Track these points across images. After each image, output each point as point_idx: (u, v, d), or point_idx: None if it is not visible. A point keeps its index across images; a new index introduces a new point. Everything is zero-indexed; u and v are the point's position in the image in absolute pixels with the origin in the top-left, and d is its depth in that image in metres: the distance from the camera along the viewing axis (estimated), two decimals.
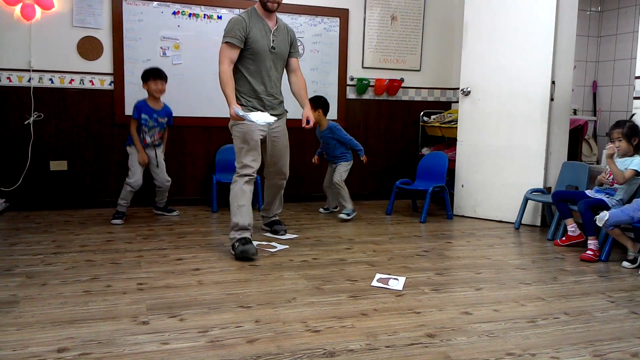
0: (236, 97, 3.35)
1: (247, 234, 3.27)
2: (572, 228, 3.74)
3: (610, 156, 3.48)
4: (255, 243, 3.31)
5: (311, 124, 3.48)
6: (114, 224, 4.07)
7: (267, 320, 2.30)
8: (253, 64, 3.39)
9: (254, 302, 2.52)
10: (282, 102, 3.61)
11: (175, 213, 4.43)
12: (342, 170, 4.45)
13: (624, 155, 3.51)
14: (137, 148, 4.15)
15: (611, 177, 3.55)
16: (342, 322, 2.31)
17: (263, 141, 3.49)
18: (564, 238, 3.76)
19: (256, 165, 3.40)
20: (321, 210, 4.77)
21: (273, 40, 3.41)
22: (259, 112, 3.29)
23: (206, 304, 2.47)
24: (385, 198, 5.16)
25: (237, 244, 3.21)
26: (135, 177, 4.15)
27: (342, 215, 4.39)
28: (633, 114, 3.64)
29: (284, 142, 3.62)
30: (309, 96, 3.78)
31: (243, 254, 3.17)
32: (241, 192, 3.33)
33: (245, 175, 3.35)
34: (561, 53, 4.26)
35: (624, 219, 3.22)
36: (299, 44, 3.75)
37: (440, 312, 2.46)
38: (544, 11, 4.19)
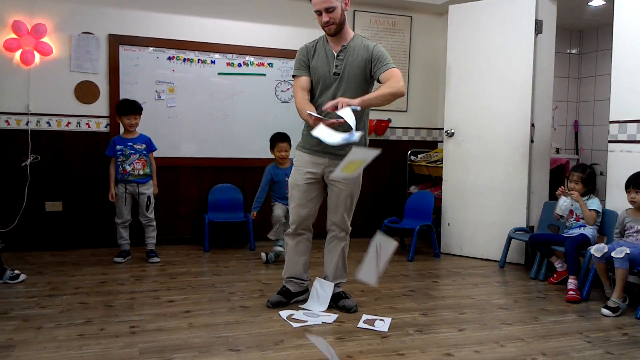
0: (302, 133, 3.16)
1: (288, 285, 3.24)
2: (559, 265, 3.90)
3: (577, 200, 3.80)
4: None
5: (333, 104, 2.66)
6: (115, 262, 4.20)
7: None
8: (318, 95, 3.07)
9: (243, 345, 2.60)
10: (360, 139, 2.91)
11: (154, 260, 4.27)
12: None
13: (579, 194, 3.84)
14: (109, 185, 4.27)
15: (573, 215, 3.88)
16: None
17: (323, 185, 3.16)
18: (555, 276, 3.90)
19: (299, 214, 3.12)
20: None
21: (337, 65, 3.01)
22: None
23: (196, 347, 2.55)
24: (372, 236, 5.26)
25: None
26: (122, 216, 4.28)
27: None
28: (595, 164, 3.92)
29: (345, 190, 3.08)
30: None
31: (268, 302, 3.22)
32: (286, 245, 3.26)
33: (290, 227, 3.19)
34: (540, 97, 4.45)
35: (637, 257, 3.22)
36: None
37: (424, 354, 2.55)
38: (522, 56, 4.40)
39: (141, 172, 4.29)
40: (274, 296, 3.24)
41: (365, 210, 5.51)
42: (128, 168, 4.24)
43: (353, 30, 5.27)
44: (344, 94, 2.97)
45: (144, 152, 4.32)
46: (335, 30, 2.99)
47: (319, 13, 2.96)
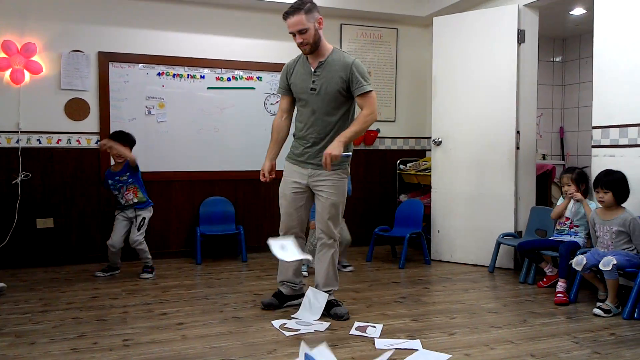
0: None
1: (281, 288, 3.38)
2: (548, 269, 3.95)
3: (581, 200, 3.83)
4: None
5: (327, 164, 2.95)
6: (96, 275, 4.25)
7: None
8: (300, 110, 3.26)
9: (236, 355, 2.62)
10: (343, 151, 3.10)
11: (147, 275, 4.25)
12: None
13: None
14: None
15: (568, 221, 3.92)
16: None
17: (310, 194, 3.26)
18: (545, 279, 3.96)
19: (287, 223, 3.27)
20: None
21: (314, 81, 3.13)
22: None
23: (190, 359, 2.57)
24: (365, 244, 5.30)
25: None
26: (114, 240, 4.19)
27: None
28: (585, 167, 3.99)
29: (328, 199, 3.16)
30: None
31: (261, 302, 3.41)
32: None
33: (279, 233, 3.32)
34: (524, 104, 4.54)
35: (624, 263, 3.27)
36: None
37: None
38: (506, 65, 4.49)
39: (135, 200, 4.23)
40: (268, 298, 3.36)
41: (356, 219, 5.57)
42: (122, 201, 4.23)
43: (341, 43, 5.44)
44: (321, 109, 3.14)
45: (130, 179, 4.22)
46: (310, 49, 3.11)
47: (293, 34, 3.08)
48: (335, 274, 3.30)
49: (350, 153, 3.16)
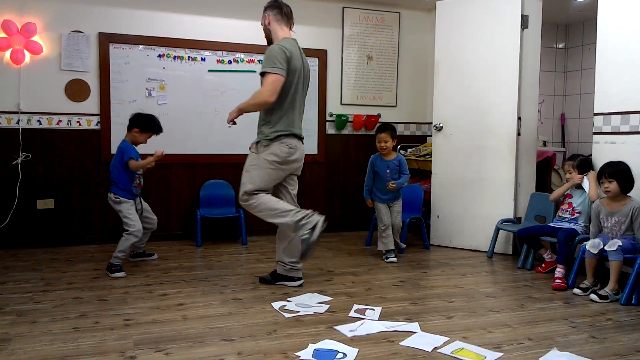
0: None
1: (277, 266, 3.60)
2: (548, 256, 3.98)
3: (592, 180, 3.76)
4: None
5: (229, 121, 3.55)
6: (118, 277, 3.69)
7: (248, 352, 2.43)
8: None
9: (236, 335, 2.65)
10: (261, 131, 3.48)
11: (154, 257, 4.24)
12: (401, 211, 4.44)
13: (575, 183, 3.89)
14: (144, 162, 3.91)
15: (570, 208, 3.91)
16: None
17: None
18: (543, 265, 3.99)
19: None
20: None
21: None
22: None
23: (191, 338, 2.60)
24: (365, 229, 5.32)
25: None
26: (137, 224, 3.81)
27: (393, 259, 4.25)
28: (589, 155, 4.00)
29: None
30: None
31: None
32: None
33: None
34: (526, 90, 4.53)
35: (628, 246, 3.30)
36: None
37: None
38: (509, 51, 4.47)
39: (140, 189, 4.06)
40: (266, 274, 3.66)
41: (357, 203, 5.58)
42: (141, 184, 4.03)
43: (342, 26, 5.42)
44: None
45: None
46: (267, 42, 3.57)
47: None
48: (279, 215, 3.30)
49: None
